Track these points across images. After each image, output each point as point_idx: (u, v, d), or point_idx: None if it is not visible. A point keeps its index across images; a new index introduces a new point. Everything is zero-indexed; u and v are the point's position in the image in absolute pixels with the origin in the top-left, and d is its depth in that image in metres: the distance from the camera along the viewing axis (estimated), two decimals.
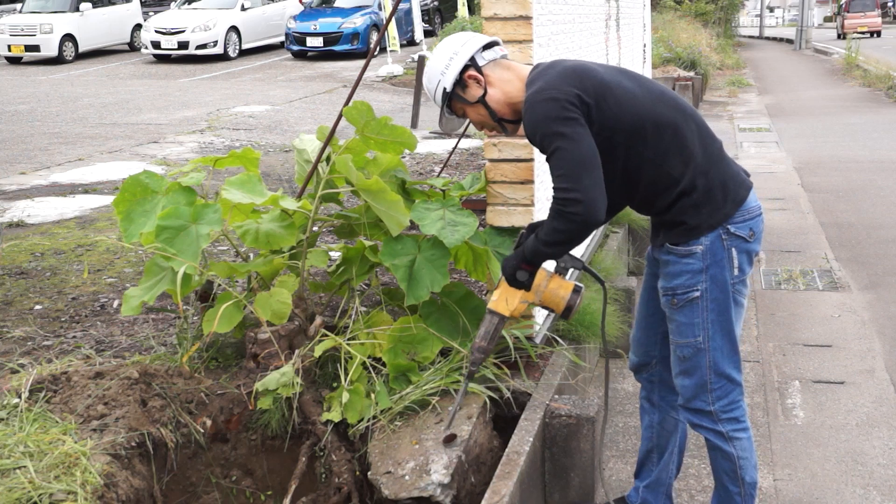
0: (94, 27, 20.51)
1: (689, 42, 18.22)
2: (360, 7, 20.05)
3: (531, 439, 2.82)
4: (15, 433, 2.50)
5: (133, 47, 21.71)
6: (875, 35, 27.59)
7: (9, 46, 19.43)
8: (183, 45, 19.14)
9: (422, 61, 11.01)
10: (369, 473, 2.70)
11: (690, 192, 2.45)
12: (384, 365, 3.05)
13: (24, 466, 2.34)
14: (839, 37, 28.41)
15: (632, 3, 6.49)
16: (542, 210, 3.42)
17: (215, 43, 19.30)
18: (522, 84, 2.52)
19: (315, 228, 3.34)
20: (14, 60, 19.78)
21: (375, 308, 3.29)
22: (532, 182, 3.28)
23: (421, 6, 19.88)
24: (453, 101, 2.59)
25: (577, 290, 2.59)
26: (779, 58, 27.69)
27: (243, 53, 20.29)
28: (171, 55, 19.43)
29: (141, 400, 2.81)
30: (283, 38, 20.39)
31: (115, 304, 4.06)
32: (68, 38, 19.74)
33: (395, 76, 16.05)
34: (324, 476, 2.93)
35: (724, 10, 29.52)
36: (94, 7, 20.48)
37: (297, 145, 3.63)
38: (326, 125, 3.51)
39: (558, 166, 2.33)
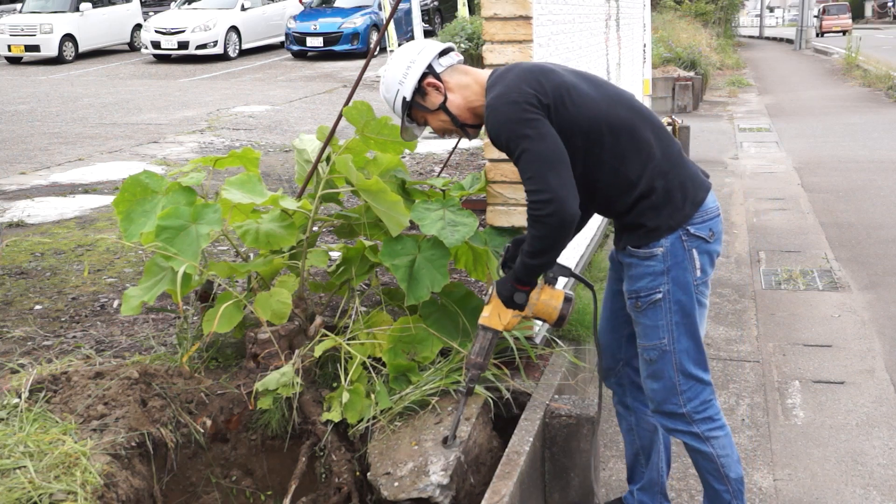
0: (94, 27, 20.52)
1: (689, 42, 18.22)
2: (360, 7, 20.05)
3: (531, 439, 2.82)
4: (15, 433, 2.50)
5: (133, 47, 21.72)
6: (845, 33, 32.62)
7: (9, 46, 19.45)
8: (183, 45, 19.15)
9: None
10: (368, 474, 2.70)
11: (649, 194, 2.45)
12: (384, 365, 3.05)
13: (24, 466, 2.34)
14: (818, 35, 33.48)
15: (632, 3, 6.49)
16: None
17: (215, 43, 19.31)
18: (481, 88, 2.53)
19: (315, 228, 3.34)
20: (14, 60, 19.79)
21: (375, 308, 3.29)
22: None
23: (421, 6, 19.84)
24: (413, 110, 2.60)
25: (568, 299, 2.60)
26: (779, 58, 27.70)
27: (243, 53, 20.30)
28: (171, 55, 19.44)
29: (141, 400, 2.81)
30: (283, 38, 20.40)
31: (115, 304, 4.06)
32: (68, 38, 19.75)
33: None
34: (324, 476, 2.93)
35: (724, 10, 29.53)
36: (94, 7, 20.50)
37: (297, 145, 3.63)
38: (326, 125, 3.51)
39: (526, 169, 2.35)
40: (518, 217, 3.31)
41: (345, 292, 3.40)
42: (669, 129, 3.77)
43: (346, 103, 3.22)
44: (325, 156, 3.35)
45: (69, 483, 2.31)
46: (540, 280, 2.61)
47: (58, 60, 19.46)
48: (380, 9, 18.54)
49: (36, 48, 19.35)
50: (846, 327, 4.90)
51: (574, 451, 3.03)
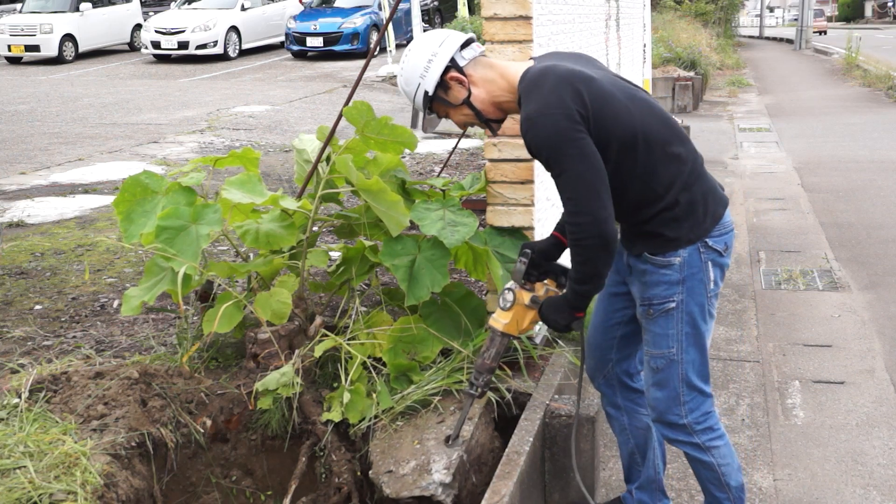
0: (94, 27, 20.52)
1: (689, 42, 18.23)
2: (360, 7, 20.05)
3: (531, 439, 2.82)
4: (15, 433, 2.50)
5: (133, 47, 21.72)
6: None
7: (9, 46, 19.44)
8: (183, 45, 19.15)
9: None
10: (370, 472, 2.70)
11: (673, 206, 2.43)
12: (384, 365, 3.05)
13: (24, 466, 2.34)
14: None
15: (632, 3, 6.49)
16: (542, 210, 3.42)
17: (215, 43, 19.31)
18: (508, 83, 2.47)
19: (315, 228, 3.34)
20: (14, 60, 19.79)
21: (375, 308, 3.30)
22: (532, 182, 3.28)
23: (421, 6, 19.84)
24: (435, 104, 2.52)
25: None
26: (779, 58, 27.70)
27: (243, 53, 20.29)
28: (171, 55, 19.43)
29: (141, 400, 2.81)
30: (283, 38, 20.39)
31: (115, 304, 4.07)
32: (68, 38, 19.74)
33: (396, 76, 16.03)
34: (324, 476, 2.93)
35: (724, 10, 29.54)
36: (94, 7, 20.49)
37: (297, 145, 3.63)
38: (326, 125, 3.51)
39: (566, 188, 2.32)
40: (518, 217, 3.31)
41: (345, 292, 3.40)
42: None
43: (346, 103, 3.22)
44: (325, 156, 3.35)
45: (69, 483, 2.31)
46: (539, 285, 2.60)
47: (58, 60, 19.46)
48: (380, 9, 18.53)
49: (36, 48, 19.34)
50: (846, 327, 4.90)
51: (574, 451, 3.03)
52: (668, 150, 2.43)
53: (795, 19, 40.81)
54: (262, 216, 3.16)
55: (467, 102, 2.49)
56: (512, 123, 3.23)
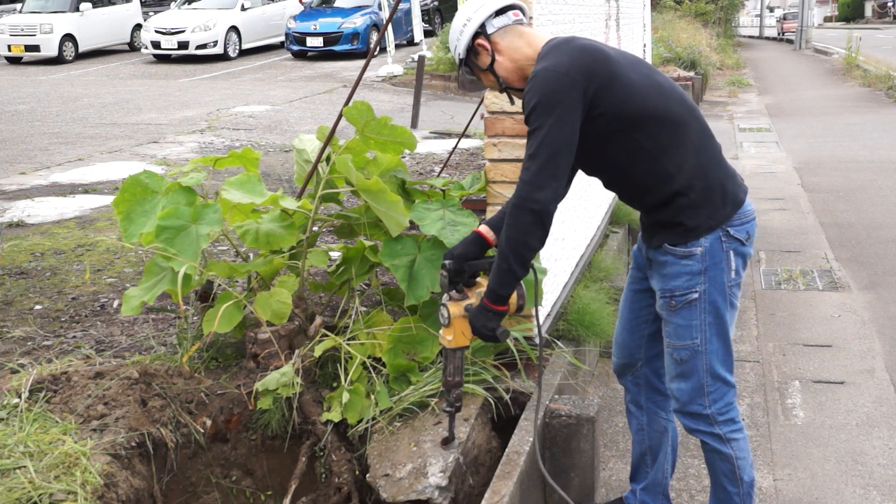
0: (94, 27, 20.51)
1: (689, 42, 18.23)
2: (360, 7, 20.05)
3: (531, 439, 2.82)
4: (15, 433, 2.50)
5: (133, 47, 21.72)
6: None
7: (9, 46, 19.44)
8: (183, 45, 19.14)
9: (422, 61, 11.00)
10: (367, 476, 2.70)
11: (687, 192, 2.42)
12: (384, 365, 3.05)
13: (24, 466, 2.34)
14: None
15: (632, 3, 6.49)
16: None
17: (215, 43, 19.31)
18: (532, 50, 2.47)
19: (315, 228, 3.34)
20: (14, 60, 19.79)
21: (375, 308, 3.29)
22: None
23: (421, 6, 19.85)
24: (469, 66, 2.57)
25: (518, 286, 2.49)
26: (779, 58, 27.70)
27: (243, 53, 20.29)
28: (171, 55, 19.43)
29: (141, 400, 2.81)
30: (283, 38, 20.39)
31: (115, 304, 4.07)
32: (68, 38, 19.74)
33: (395, 76, 16.05)
34: (324, 476, 2.93)
35: (723, 10, 29.55)
36: (94, 7, 20.49)
37: (297, 145, 3.63)
38: (326, 125, 3.51)
39: (531, 144, 2.31)
40: None
41: (345, 292, 3.40)
42: None
43: (346, 103, 3.22)
44: (325, 156, 3.35)
45: (69, 483, 2.31)
46: (472, 290, 2.53)
47: (58, 60, 19.46)
48: (380, 9, 18.52)
49: (36, 48, 19.34)
50: (846, 327, 4.90)
51: (574, 451, 3.03)
52: (680, 132, 2.41)
53: (783, 17, 44.53)
54: (262, 216, 3.16)
55: (491, 69, 2.51)
56: (512, 123, 3.24)
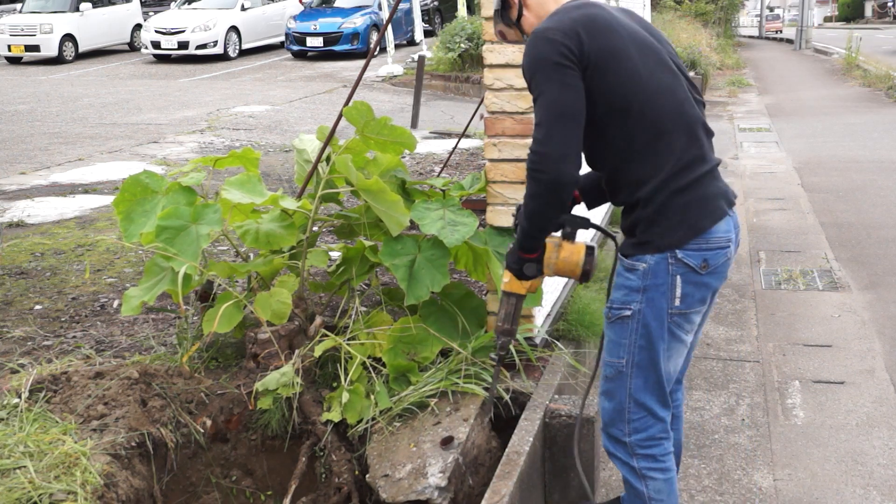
0: (94, 27, 20.52)
1: (689, 42, 18.22)
2: (360, 7, 20.05)
3: (531, 439, 2.82)
4: (15, 433, 2.50)
5: (133, 47, 21.72)
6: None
7: (9, 46, 19.44)
8: (183, 45, 19.15)
9: (422, 61, 11.00)
10: (367, 476, 2.70)
11: (646, 203, 2.27)
12: (384, 365, 3.05)
13: (24, 466, 2.34)
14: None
15: (632, 3, 6.49)
16: None
17: (215, 43, 19.31)
18: (557, 7, 2.39)
19: (315, 228, 3.34)
20: (14, 60, 19.79)
21: (375, 308, 3.30)
22: None
23: (421, 6, 19.87)
24: (504, 21, 2.52)
25: (590, 252, 2.43)
26: (779, 58, 27.70)
27: (243, 53, 20.30)
28: (171, 55, 19.43)
29: (141, 400, 2.81)
30: (283, 38, 20.39)
31: (115, 304, 4.07)
32: (68, 38, 19.74)
33: (395, 76, 16.06)
34: (324, 476, 2.93)
35: (723, 10, 29.55)
36: (94, 7, 20.49)
37: (297, 145, 3.63)
38: (326, 125, 3.51)
39: (538, 113, 2.23)
40: None
41: (345, 292, 3.40)
42: None
43: (346, 103, 3.22)
44: (325, 156, 3.35)
45: (69, 483, 2.31)
46: (557, 236, 2.45)
47: (58, 60, 19.46)
48: (380, 9, 18.53)
49: (36, 48, 19.34)
50: (846, 327, 4.90)
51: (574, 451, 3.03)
52: (662, 143, 2.25)
53: (795, 19, 41.13)
54: (262, 216, 3.16)
55: (517, 23, 2.48)
56: (512, 123, 3.24)
